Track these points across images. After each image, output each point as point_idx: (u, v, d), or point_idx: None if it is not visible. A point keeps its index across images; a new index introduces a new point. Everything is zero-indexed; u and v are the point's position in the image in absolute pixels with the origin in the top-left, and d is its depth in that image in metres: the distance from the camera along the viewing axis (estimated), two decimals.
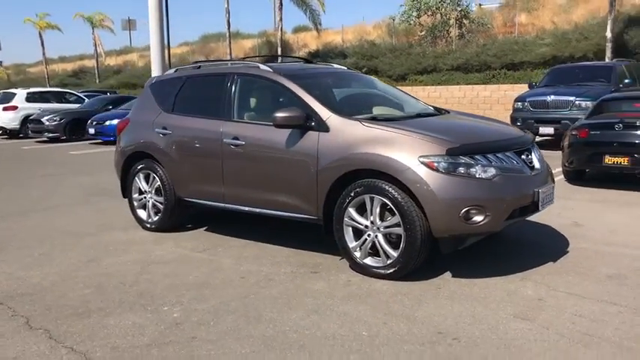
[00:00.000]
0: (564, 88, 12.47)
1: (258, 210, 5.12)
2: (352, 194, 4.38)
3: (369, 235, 4.35)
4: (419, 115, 5.06)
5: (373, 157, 4.27)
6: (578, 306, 3.75)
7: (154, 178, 5.87)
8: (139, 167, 6.02)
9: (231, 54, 30.09)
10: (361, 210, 4.40)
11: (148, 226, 5.99)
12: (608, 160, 7.56)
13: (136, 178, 6.05)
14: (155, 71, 12.49)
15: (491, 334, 3.36)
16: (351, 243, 4.46)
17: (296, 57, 6.08)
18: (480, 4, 29.76)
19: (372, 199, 4.28)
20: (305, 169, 4.63)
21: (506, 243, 5.25)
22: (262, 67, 5.31)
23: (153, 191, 5.93)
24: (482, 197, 4.05)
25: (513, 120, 12.54)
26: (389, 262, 4.26)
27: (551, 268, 4.54)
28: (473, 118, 5.64)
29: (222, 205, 5.38)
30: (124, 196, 6.37)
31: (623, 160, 7.42)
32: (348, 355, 3.14)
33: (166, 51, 16.95)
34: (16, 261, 5.04)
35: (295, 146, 4.70)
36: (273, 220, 5.29)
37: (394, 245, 4.26)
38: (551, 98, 12.06)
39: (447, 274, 4.39)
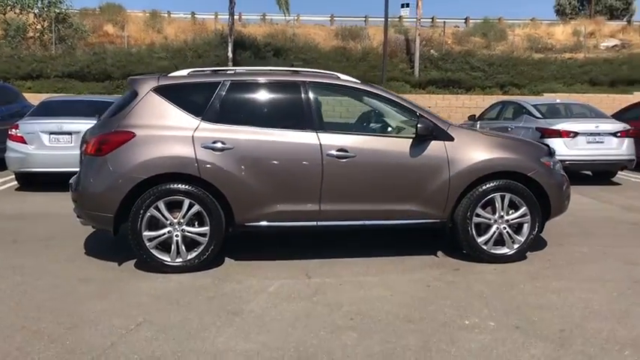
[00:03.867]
0: None
1: (363, 222, 4.99)
2: (481, 194, 5.02)
3: (497, 228, 5.10)
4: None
5: (507, 161, 5.06)
6: None
7: (191, 204, 4.69)
8: (156, 194, 4.64)
9: None
10: (483, 207, 5.10)
11: (179, 265, 4.72)
12: None
13: (151, 209, 4.65)
14: None
15: None
16: (479, 238, 5.08)
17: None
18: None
19: (502, 197, 5.06)
20: (436, 175, 4.94)
21: None
22: (343, 77, 5.13)
23: (185, 222, 4.71)
24: (567, 185, 5.45)
25: None
26: (516, 246, 5.14)
27: (569, 238, 5.97)
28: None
29: (312, 223, 4.89)
30: (115, 234, 4.74)
31: None
32: None
33: None
34: (144, 345, 3.48)
35: (423, 155, 4.93)
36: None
37: (516, 233, 5.17)
38: None
39: (531, 254, 5.39)
